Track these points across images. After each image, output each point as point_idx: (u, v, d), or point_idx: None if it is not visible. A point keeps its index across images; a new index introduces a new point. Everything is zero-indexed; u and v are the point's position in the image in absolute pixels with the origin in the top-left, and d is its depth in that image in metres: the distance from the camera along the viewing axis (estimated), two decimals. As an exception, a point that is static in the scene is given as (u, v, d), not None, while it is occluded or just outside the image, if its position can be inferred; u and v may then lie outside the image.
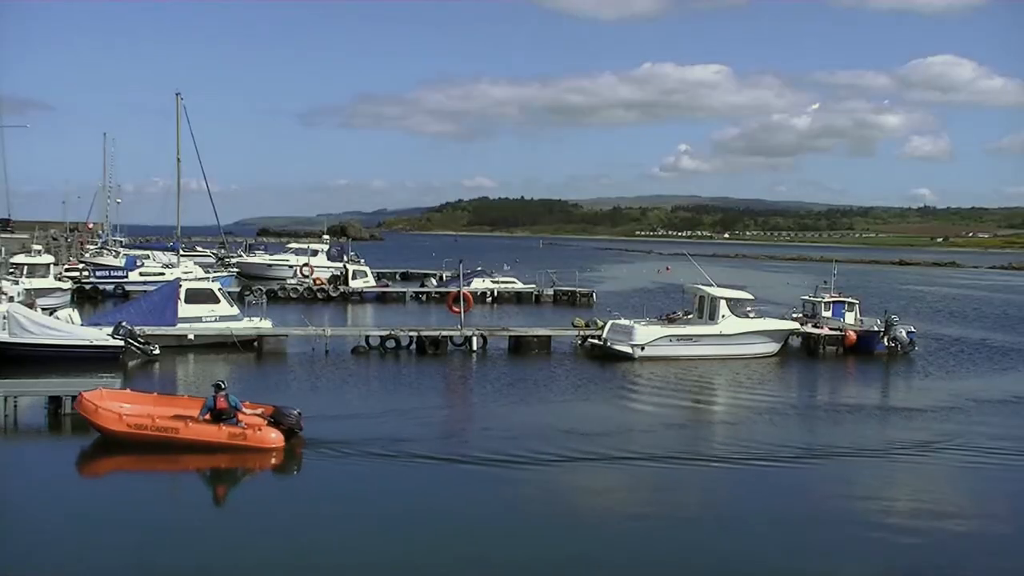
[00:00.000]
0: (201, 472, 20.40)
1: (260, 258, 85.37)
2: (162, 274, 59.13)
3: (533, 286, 67.42)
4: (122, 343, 32.48)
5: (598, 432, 23.84)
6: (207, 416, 20.85)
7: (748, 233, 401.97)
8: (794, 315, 43.02)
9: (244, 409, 21.24)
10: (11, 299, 36.31)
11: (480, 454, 21.12)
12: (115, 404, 21.70)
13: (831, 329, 40.57)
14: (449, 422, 25.83)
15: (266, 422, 21.11)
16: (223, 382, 21.78)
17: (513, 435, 23.16)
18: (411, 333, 38.12)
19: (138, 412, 21.36)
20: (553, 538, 16.10)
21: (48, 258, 54.13)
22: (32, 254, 52.38)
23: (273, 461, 20.41)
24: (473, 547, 15.44)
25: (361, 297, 62.44)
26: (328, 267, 74.89)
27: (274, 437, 20.76)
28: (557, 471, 20.34)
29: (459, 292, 41.21)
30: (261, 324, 37.90)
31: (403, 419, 25.08)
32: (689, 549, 15.74)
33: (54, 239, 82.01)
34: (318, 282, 65.04)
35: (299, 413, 21.51)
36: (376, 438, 22.01)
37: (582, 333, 39.27)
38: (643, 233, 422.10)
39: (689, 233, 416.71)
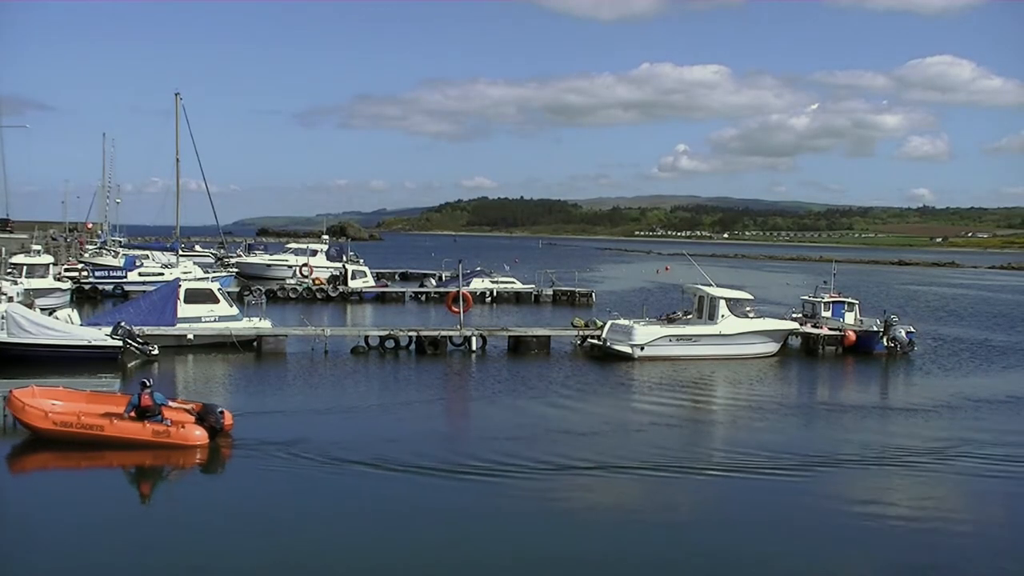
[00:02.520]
0: (124, 469, 20.35)
1: (259, 258, 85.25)
2: (161, 274, 59.18)
3: (532, 286, 67.38)
4: (121, 343, 32.44)
5: (592, 437, 23.63)
6: (132, 413, 20.97)
7: (747, 233, 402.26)
8: (794, 315, 43.05)
9: (172, 405, 21.50)
10: (10, 299, 36.27)
11: (438, 461, 20.13)
12: (43, 402, 21.71)
13: (831, 329, 40.58)
14: (424, 425, 24.65)
15: (193, 419, 21.19)
16: (148, 379, 21.88)
17: (490, 439, 22.68)
18: (410, 333, 38.10)
19: (65, 410, 21.42)
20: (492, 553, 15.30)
21: (47, 258, 54.05)
22: (31, 254, 52.30)
23: (197, 459, 20.41)
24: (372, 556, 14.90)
25: (360, 297, 62.40)
26: (327, 267, 74.87)
27: (198, 435, 20.79)
28: (524, 479, 19.25)
29: (458, 292, 41.20)
30: (260, 324, 37.86)
31: (371, 421, 25.16)
32: (685, 554, 15.59)
33: (53, 239, 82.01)
34: (317, 282, 65.01)
35: (222, 412, 21.62)
36: (326, 440, 21.62)
37: (581, 333, 39.25)
38: (642, 233, 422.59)
39: (688, 233, 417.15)
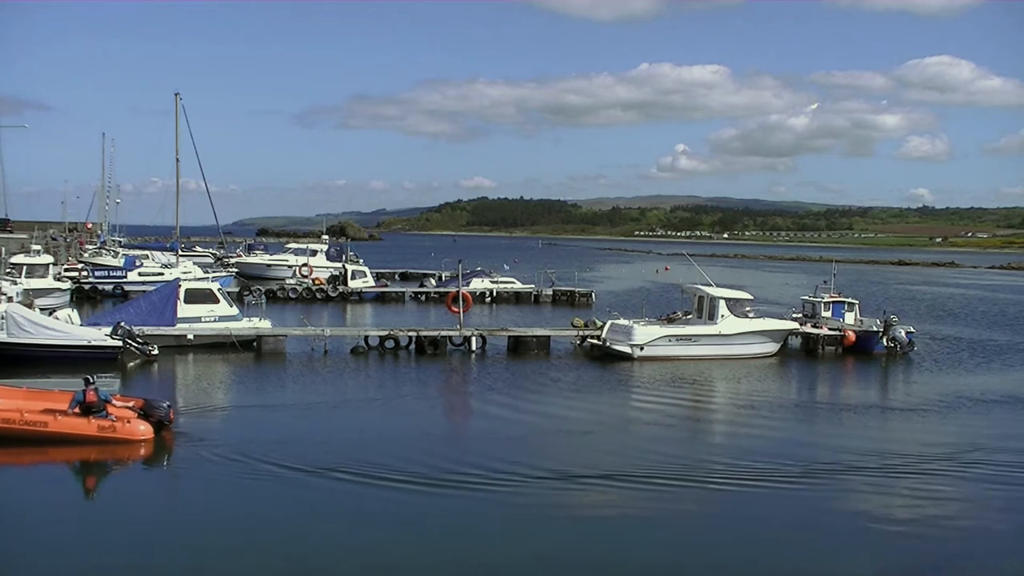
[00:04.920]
0: (70, 464, 20.36)
1: (259, 258, 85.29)
2: (161, 274, 59.21)
3: (532, 286, 67.38)
4: (120, 343, 32.43)
5: (591, 440, 23.56)
6: (76, 409, 21.07)
7: (747, 233, 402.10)
8: (793, 315, 43.06)
9: (115, 402, 21.67)
10: (10, 299, 36.29)
11: (428, 466, 19.71)
12: None
13: (830, 329, 40.58)
14: (419, 428, 24.11)
15: (136, 415, 21.34)
16: (92, 376, 21.96)
17: (488, 442, 22.50)
18: (410, 333, 38.10)
19: (7, 407, 21.45)
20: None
21: (47, 258, 54.03)
22: (31, 254, 52.30)
23: (142, 453, 20.59)
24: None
25: (360, 297, 62.42)
26: (327, 267, 74.90)
27: (143, 429, 21.01)
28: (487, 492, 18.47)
29: (458, 292, 41.22)
30: (260, 324, 37.87)
31: (363, 422, 25.14)
32: (685, 561, 15.52)
33: (53, 239, 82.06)
34: (317, 282, 65.01)
35: (168, 406, 21.87)
36: (310, 441, 21.56)
37: (581, 333, 39.25)
38: (642, 233, 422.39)
39: (688, 233, 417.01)
